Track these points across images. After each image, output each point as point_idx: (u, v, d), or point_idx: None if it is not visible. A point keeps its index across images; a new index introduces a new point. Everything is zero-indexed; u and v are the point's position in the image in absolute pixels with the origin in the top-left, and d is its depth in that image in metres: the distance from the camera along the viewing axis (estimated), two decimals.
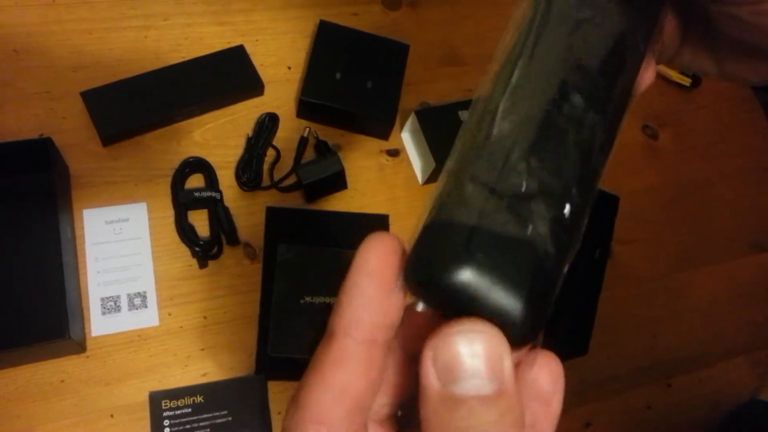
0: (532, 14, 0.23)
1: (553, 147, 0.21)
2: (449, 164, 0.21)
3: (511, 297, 0.19)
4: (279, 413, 0.63)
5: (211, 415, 0.60)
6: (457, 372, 0.18)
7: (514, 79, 0.22)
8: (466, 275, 0.18)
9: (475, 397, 0.18)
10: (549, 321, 0.19)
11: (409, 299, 0.20)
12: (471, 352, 0.18)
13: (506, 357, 0.18)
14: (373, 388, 0.21)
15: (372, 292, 0.20)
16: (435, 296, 0.19)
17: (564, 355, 0.78)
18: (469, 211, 0.19)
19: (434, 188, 0.21)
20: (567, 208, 0.20)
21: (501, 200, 0.20)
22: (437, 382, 0.18)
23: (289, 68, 0.77)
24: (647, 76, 0.25)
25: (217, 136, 0.72)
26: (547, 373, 0.21)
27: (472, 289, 0.19)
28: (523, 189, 0.20)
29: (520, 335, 0.19)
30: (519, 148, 0.20)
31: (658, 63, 0.28)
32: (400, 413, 0.24)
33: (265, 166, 0.71)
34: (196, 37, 0.75)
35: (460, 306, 0.19)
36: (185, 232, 0.65)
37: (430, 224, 0.20)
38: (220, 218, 0.66)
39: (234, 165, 0.70)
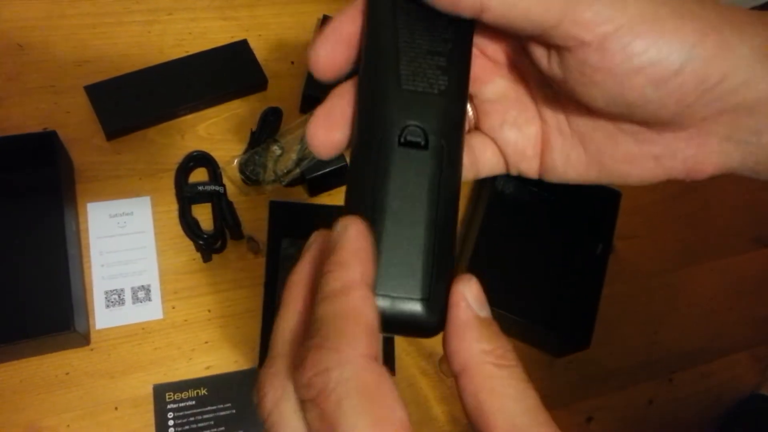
0: None
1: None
2: None
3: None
4: None
5: (215, 407, 0.61)
6: None
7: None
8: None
9: None
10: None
11: None
12: None
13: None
14: None
15: None
16: None
17: (566, 350, 0.77)
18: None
19: None
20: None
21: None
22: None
23: (293, 63, 0.77)
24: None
25: (221, 130, 0.72)
26: None
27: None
28: None
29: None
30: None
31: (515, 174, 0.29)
32: None
33: (269, 161, 0.71)
34: (200, 32, 0.75)
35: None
36: (189, 225, 0.66)
37: None
38: (224, 212, 0.67)
39: (238, 159, 0.70)
